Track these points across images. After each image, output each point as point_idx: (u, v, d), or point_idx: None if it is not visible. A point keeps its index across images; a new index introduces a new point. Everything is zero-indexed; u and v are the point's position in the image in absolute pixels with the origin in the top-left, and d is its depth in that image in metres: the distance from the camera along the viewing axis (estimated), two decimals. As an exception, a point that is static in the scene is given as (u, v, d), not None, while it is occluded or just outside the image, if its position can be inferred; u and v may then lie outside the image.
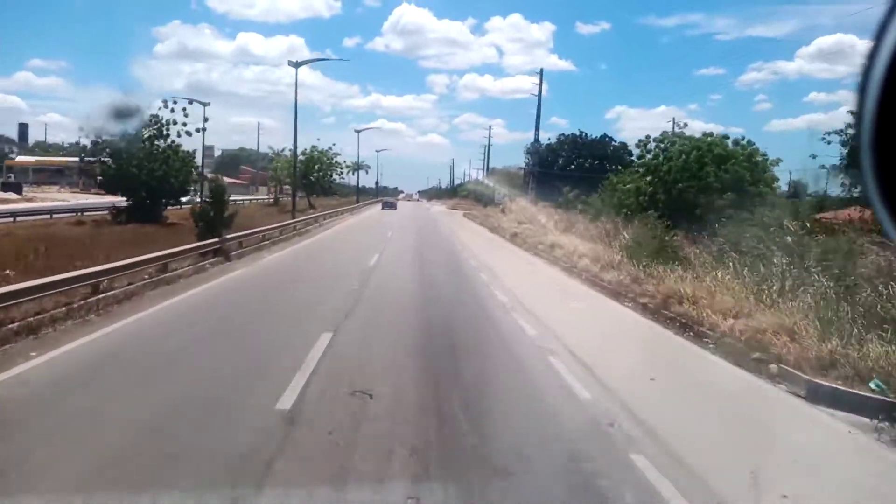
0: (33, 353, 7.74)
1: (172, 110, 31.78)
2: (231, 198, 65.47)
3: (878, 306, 9.48)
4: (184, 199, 37.34)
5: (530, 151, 71.83)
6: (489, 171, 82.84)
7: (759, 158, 30.65)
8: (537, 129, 56.16)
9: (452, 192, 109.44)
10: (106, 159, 31.21)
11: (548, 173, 64.03)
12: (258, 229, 22.93)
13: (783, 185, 36.04)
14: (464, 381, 7.40)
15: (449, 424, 5.96)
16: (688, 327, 10.95)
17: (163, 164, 30.98)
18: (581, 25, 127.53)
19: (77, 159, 40.98)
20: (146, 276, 13.74)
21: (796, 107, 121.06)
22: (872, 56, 0.95)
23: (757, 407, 7.41)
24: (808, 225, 19.90)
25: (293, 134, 32.74)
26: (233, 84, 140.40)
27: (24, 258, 13.54)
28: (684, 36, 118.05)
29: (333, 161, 53.36)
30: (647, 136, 34.25)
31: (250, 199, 61.86)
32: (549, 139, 72.36)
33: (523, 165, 76.76)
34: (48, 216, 31.66)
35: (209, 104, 44.19)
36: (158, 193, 31.75)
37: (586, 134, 75.15)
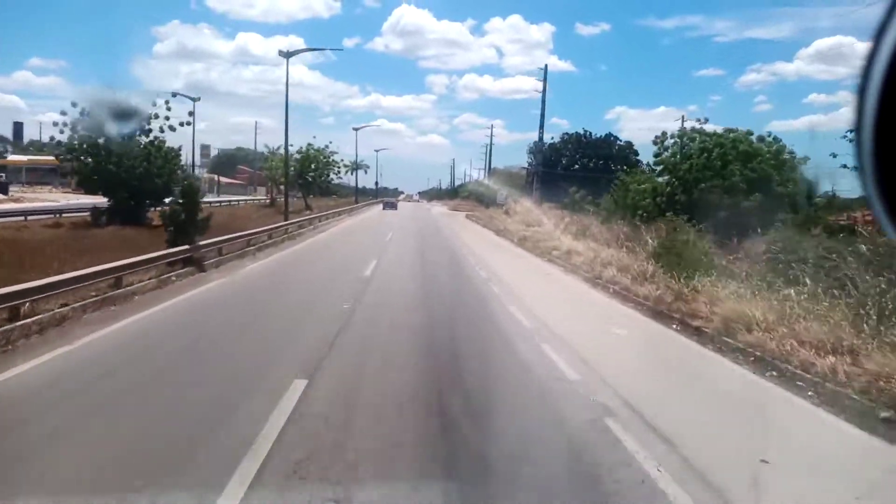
0: None
1: (154, 104, 29.23)
2: (226, 198, 62.64)
3: None
4: (168, 200, 35.16)
5: (533, 151, 69.30)
6: (490, 171, 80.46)
7: (787, 156, 28.14)
8: (541, 127, 53.63)
9: (453, 193, 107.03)
10: (83, 157, 28.74)
11: (551, 173, 61.58)
12: (242, 233, 20.43)
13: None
14: (499, 478, 4.86)
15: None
16: (770, 365, 8.44)
17: (143, 161, 28.48)
18: (581, 26, 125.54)
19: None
20: (94, 294, 11.26)
21: (796, 108, 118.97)
22: (872, 56, 0.94)
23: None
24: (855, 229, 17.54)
25: (284, 129, 30.18)
26: (232, 84, 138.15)
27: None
28: (684, 37, 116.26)
29: (330, 160, 50.72)
30: (664, 133, 31.73)
31: (245, 200, 59.37)
32: (552, 138, 69.83)
33: (525, 166, 74.24)
34: (23, 218, 29.20)
35: (199, 99, 41.90)
36: (141, 193, 29.26)
37: (590, 133, 72.71)
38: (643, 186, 31.45)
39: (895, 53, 0.91)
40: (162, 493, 4.19)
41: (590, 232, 25.87)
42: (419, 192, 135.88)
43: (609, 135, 73.43)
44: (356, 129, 64.83)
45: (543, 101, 52.72)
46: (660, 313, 11.95)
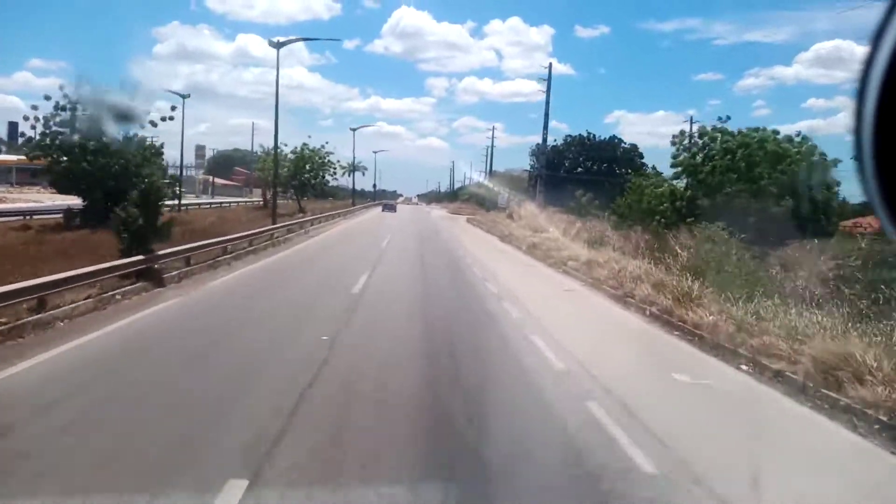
0: None
1: (134, 98, 26.57)
2: (220, 200, 60.12)
3: None
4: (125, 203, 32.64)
5: (535, 153, 66.77)
6: (491, 174, 78.02)
7: (817, 157, 25.62)
8: (545, 128, 51.26)
9: (453, 196, 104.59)
10: (55, 154, 26.18)
11: (555, 176, 59.10)
12: (218, 239, 17.85)
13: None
14: None
15: None
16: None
17: (120, 158, 25.93)
18: (580, 29, 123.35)
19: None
20: (2, 321, 8.71)
21: (795, 112, 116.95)
22: (870, 60, 0.93)
23: None
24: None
25: (274, 125, 27.62)
26: (232, 85, 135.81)
27: None
28: (683, 41, 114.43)
29: (326, 160, 48.05)
30: (683, 132, 29.30)
31: (238, 202, 56.79)
32: (554, 141, 67.36)
33: (527, 168, 71.78)
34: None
35: (188, 97, 39.35)
36: (118, 194, 26.65)
37: (594, 135, 70.30)
38: (660, 190, 28.98)
39: (894, 56, 0.90)
40: (160, 494, 4.01)
41: (606, 239, 23.36)
42: (418, 195, 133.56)
43: (613, 137, 70.95)
44: (353, 130, 62.32)
45: (548, 102, 50.22)
46: (720, 348, 9.40)
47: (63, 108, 25.10)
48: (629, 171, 66.97)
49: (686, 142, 27.79)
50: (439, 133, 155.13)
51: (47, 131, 26.17)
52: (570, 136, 70.70)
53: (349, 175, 68.48)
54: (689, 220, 26.00)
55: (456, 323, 10.39)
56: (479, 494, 4.54)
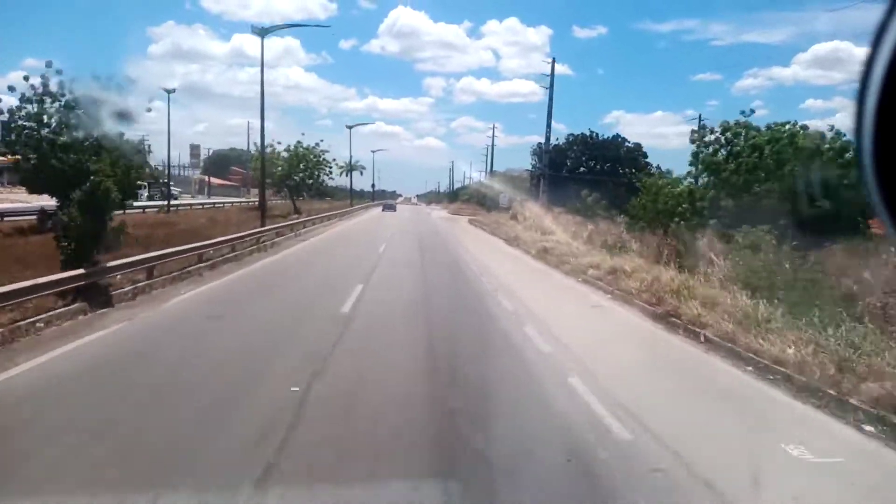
0: None
1: (107, 88, 24.13)
2: (215, 200, 57.79)
3: None
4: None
5: (537, 152, 64.45)
6: (492, 173, 75.72)
7: (852, 154, 23.17)
8: (549, 126, 48.76)
9: (452, 196, 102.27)
10: (22, 150, 23.73)
11: (557, 176, 56.75)
12: (191, 246, 15.42)
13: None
14: None
15: None
16: None
17: (93, 155, 23.46)
18: (578, 29, 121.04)
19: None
20: None
21: (793, 113, 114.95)
22: (871, 61, 0.91)
23: None
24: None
25: (260, 115, 25.20)
26: (228, 85, 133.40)
27: None
28: (680, 41, 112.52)
29: (321, 159, 45.47)
30: (704, 125, 26.86)
31: (233, 202, 54.32)
32: (556, 140, 65.00)
33: (528, 168, 69.53)
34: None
35: (174, 91, 36.95)
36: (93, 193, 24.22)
37: (597, 134, 68.01)
38: (679, 189, 26.53)
39: (894, 57, 0.89)
40: (162, 494, 3.88)
41: (624, 243, 20.97)
42: (417, 196, 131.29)
43: (617, 136, 68.66)
44: (350, 127, 59.92)
45: (551, 98, 47.80)
46: (822, 395, 6.98)
47: (29, 101, 22.60)
48: (633, 170, 64.77)
49: (708, 136, 25.28)
50: (437, 133, 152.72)
51: (13, 125, 23.66)
52: (572, 134, 68.27)
53: (346, 175, 65.89)
54: (711, 221, 23.71)
55: (469, 360, 7.97)
56: None
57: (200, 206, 46.96)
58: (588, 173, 62.87)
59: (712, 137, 25.69)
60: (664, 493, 4.51)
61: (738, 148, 24.24)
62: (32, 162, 23.74)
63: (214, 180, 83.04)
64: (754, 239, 14.80)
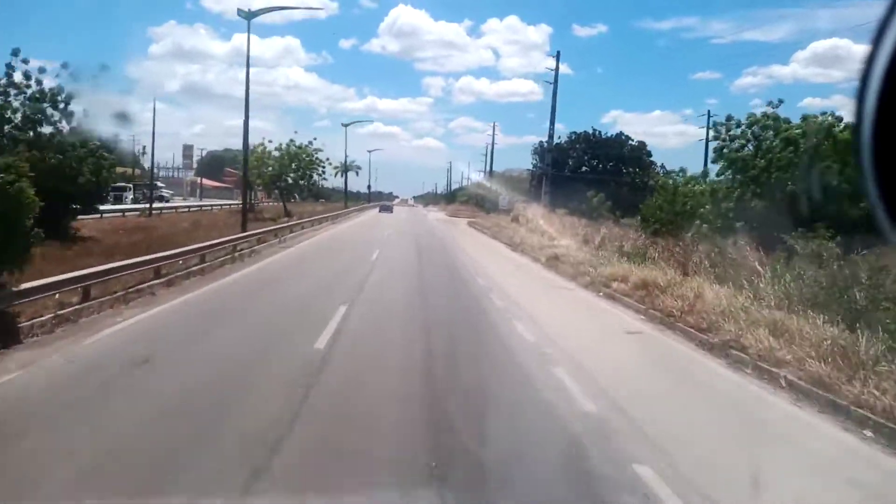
0: None
1: (58, 75, 21.86)
2: (206, 202, 55.20)
3: None
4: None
5: (539, 151, 62.04)
6: (491, 174, 73.41)
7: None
8: (552, 122, 46.29)
9: (450, 197, 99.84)
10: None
11: (559, 175, 54.37)
12: (146, 258, 12.93)
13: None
14: None
15: None
16: None
17: (55, 152, 21.06)
18: (578, 28, 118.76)
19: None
20: None
21: (792, 112, 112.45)
22: (871, 59, 0.90)
23: None
24: None
25: (245, 105, 22.76)
26: (228, 86, 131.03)
27: None
28: (680, 39, 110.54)
29: (314, 158, 42.91)
30: (730, 116, 24.36)
31: (223, 205, 51.77)
32: (558, 139, 62.68)
33: (529, 168, 67.17)
34: None
35: (160, 89, 34.40)
36: (58, 196, 21.81)
37: (600, 132, 65.68)
38: (700, 188, 24.15)
39: (895, 55, 0.87)
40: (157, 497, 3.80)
41: (646, 249, 18.58)
42: (414, 197, 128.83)
43: (620, 134, 66.31)
44: (345, 125, 57.49)
45: (555, 94, 45.40)
46: None
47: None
48: (638, 169, 62.44)
49: (735, 129, 22.82)
50: (436, 133, 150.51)
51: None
52: (574, 132, 65.84)
53: (342, 175, 63.40)
54: (737, 224, 21.35)
55: (484, 420, 5.57)
56: None
57: (187, 209, 44.48)
58: (591, 173, 60.57)
59: (738, 131, 23.30)
60: None
61: (768, 142, 21.89)
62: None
63: (208, 182, 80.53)
64: (815, 248, 12.39)
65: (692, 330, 10.00)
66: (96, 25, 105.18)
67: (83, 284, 10.23)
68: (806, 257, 12.46)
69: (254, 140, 42.93)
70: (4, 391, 6.14)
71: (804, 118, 21.14)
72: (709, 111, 52.11)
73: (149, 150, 47.59)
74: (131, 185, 50.17)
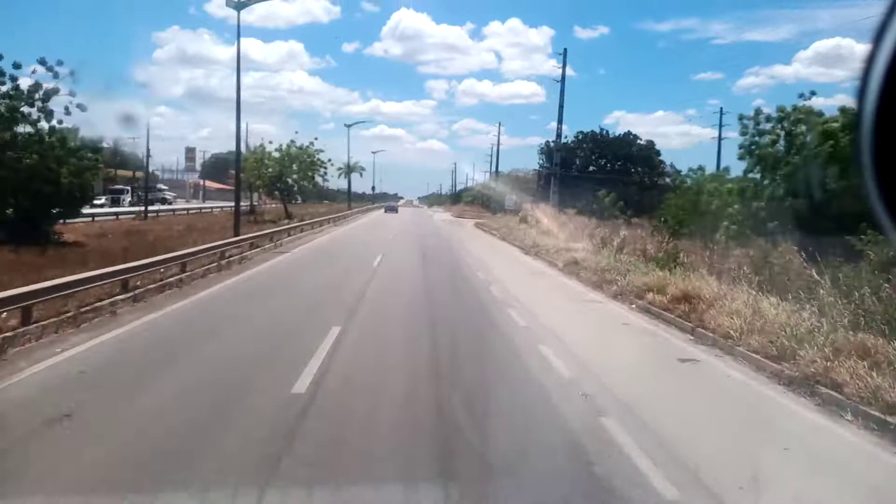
0: None
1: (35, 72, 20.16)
2: (207, 205, 53.51)
3: None
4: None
5: (546, 151, 60.23)
6: (496, 174, 71.63)
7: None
8: (560, 121, 44.54)
9: (455, 198, 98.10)
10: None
11: (566, 175, 52.51)
12: (109, 270, 11.08)
13: None
14: None
15: None
16: None
17: (33, 153, 19.34)
18: (579, 30, 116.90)
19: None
20: None
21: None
22: (871, 59, 0.88)
23: None
24: None
25: (236, 100, 20.97)
26: (232, 90, 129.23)
27: None
28: (681, 40, 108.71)
29: (315, 159, 41.07)
30: (759, 110, 22.42)
31: (223, 207, 50.04)
32: (564, 139, 60.86)
33: (535, 168, 65.44)
34: None
35: (146, 86, 32.73)
36: (38, 198, 20.09)
37: (607, 131, 63.83)
38: (728, 186, 22.21)
39: (895, 55, 0.85)
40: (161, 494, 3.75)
41: (677, 254, 16.68)
42: (419, 198, 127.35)
43: (628, 133, 64.47)
44: (348, 126, 55.77)
45: (562, 92, 43.66)
46: None
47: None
48: (647, 168, 60.50)
49: (765, 123, 20.90)
50: (440, 135, 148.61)
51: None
52: (581, 132, 64.00)
53: (344, 176, 61.64)
54: (769, 225, 19.50)
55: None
56: None
57: (185, 212, 42.77)
58: (598, 172, 58.71)
59: (767, 126, 21.38)
60: None
61: (802, 137, 19.99)
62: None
63: (211, 184, 79.01)
64: (890, 256, 10.49)
65: (759, 357, 8.12)
66: (100, 30, 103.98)
67: (23, 304, 8.43)
68: (878, 264, 10.59)
69: (255, 142, 41.20)
70: None
71: (842, 110, 19.16)
72: (721, 108, 49.98)
73: (154, 152, 46.19)
74: (129, 188, 48.52)
